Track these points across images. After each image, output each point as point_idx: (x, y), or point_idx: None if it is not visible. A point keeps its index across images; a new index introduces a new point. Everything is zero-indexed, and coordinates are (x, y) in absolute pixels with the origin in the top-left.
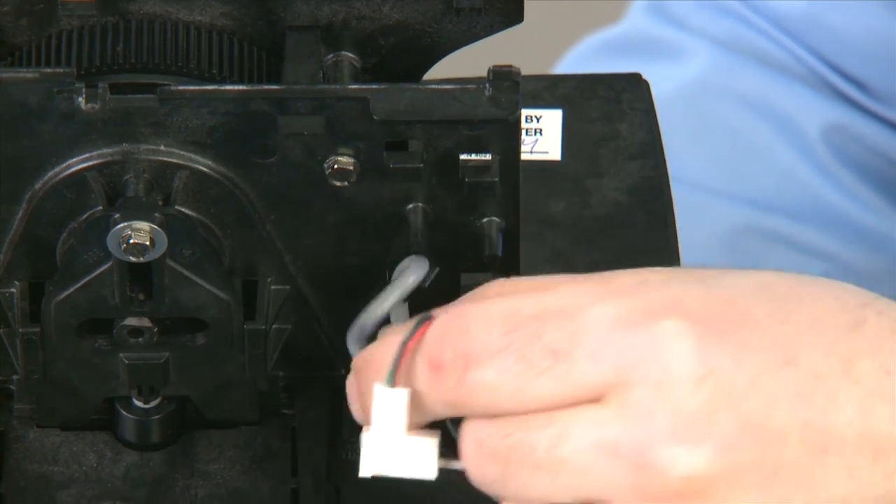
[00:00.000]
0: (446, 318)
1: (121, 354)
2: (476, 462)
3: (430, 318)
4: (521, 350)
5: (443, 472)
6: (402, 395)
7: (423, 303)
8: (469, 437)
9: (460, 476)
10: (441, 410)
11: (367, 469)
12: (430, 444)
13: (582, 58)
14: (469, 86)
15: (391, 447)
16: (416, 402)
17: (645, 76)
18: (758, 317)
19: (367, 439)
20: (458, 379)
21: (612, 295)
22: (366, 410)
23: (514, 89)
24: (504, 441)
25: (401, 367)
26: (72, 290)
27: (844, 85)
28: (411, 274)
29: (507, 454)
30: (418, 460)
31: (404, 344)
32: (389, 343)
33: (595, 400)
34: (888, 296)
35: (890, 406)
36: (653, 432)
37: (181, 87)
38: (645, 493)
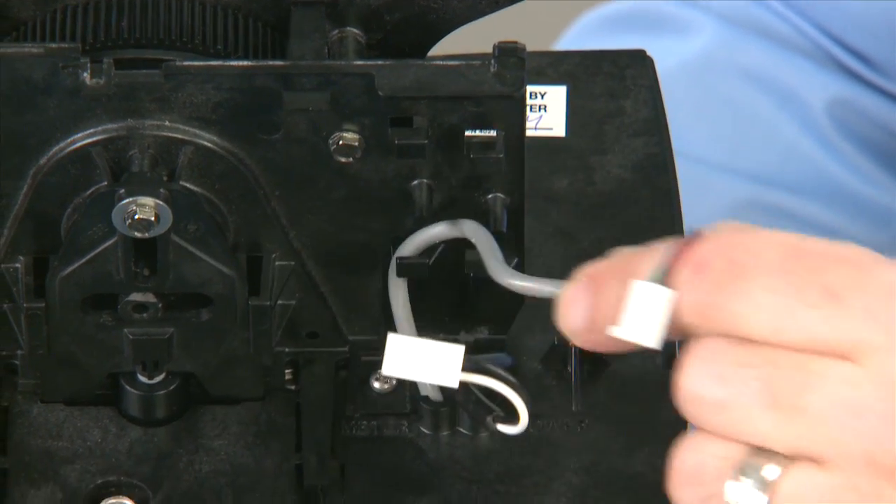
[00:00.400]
0: (725, 232)
1: (125, 330)
2: (697, 380)
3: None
4: (800, 278)
5: (448, 445)
6: (665, 294)
7: (429, 280)
8: (702, 352)
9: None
10: (688, 317)
11: (389, 368)
12: (456, 351)
13: (585, 32)
14: (474, 62)
15: (416, 349)
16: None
17: (648, 51)
18: None
19: (392, 340)
20: (721, 283)
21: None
22: (602, 309)
23: (519, 65)
24: (742, 369)
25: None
26: (76, 265)
27: (848, 59)
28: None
29: (741, 383)
30: (442, 367)
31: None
32: (655, 248)
33: (849, 357)
34: None
35: None
36: None
37: (186, 63)
38: (872, 464)
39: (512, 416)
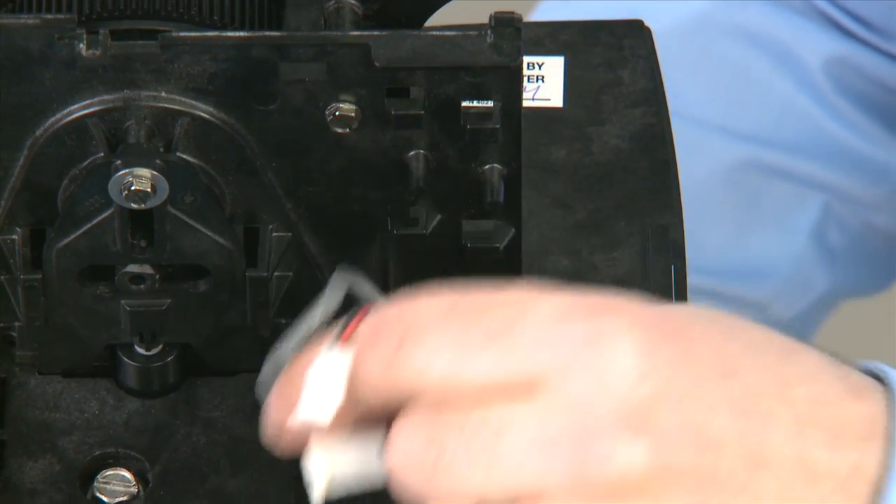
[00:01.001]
0: (391, 302)
1: (122, 301)
2: (405, 458)
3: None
4: (461, 330)
5: None
6: (344, 358)
7: (426, 252)
8: (403, 430)
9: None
10: (371, 394)
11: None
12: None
13: None
14: (471, 32)
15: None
16: (347, 391)
17: (644, 10)
18: (698, 330)
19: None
20: (395, 344)
21: (558, 293)
22: (289, 401)
23: (515, 36)
24: (439, 436)
25: (347, 331)
26: (73, 236)
27: (845, 19)
28: (318, 310)
29: (440, 448)
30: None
31: (343, 326)
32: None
33: (531, 391)
34: (888, 225)
35: (823, 432)
36: (593, 423)
37: (182, 34)
38: (582, 488)
39: None
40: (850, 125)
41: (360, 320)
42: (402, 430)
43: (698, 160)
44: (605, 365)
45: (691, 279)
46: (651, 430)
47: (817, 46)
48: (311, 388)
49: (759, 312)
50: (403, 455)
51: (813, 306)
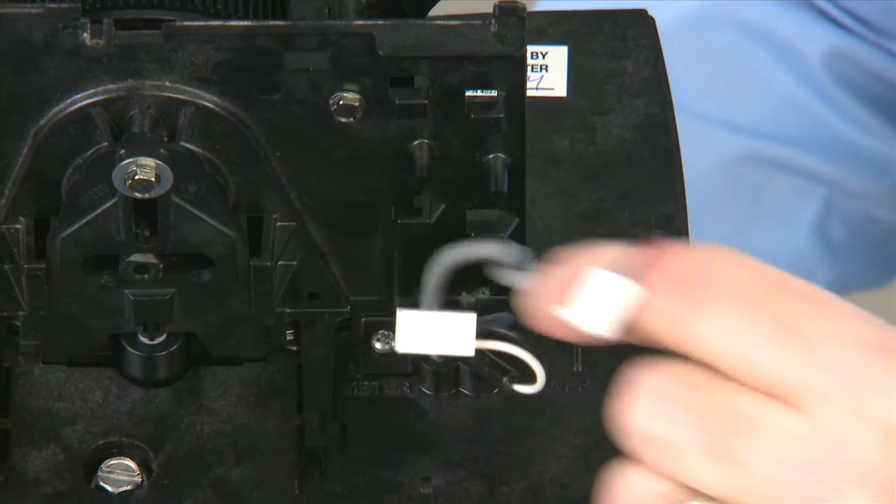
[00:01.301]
0: (695, 251)
1: (126, 291)
2: (641, 416)
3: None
4: (768, 313)
5: (450, 406)
6: (630, 289)
7: (429, 241)
8: (650, 386)
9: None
10: (653, 323)
11: (402, 345)
12: (468, 321)
13: None
14: (475, 21)
15: (427, 323)
16: (625, 324)
17: (645, 5)
18: None
19: (402, 316)
20: (696, 300)
21: (870, 318)
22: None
23: (519, 25)
24: (686, 412)
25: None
26: (77, 226)
27: (843, 16)
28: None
29: (684, 426)
30: (455, 337)
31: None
32: (627, 248)
33: (796, 404)
34: (889, 219)
35: None
36: (845, 470)
37: (186, 23)
38: None
39: (527, 376)
40: (851, 119)
41: (657, 259)
42: (648, 390)
43: (699, 153)
44: (883, 417)
45: None
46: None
47: (817, 40)
48: (587, 298)
49: None
50: (639, 416)
51: None
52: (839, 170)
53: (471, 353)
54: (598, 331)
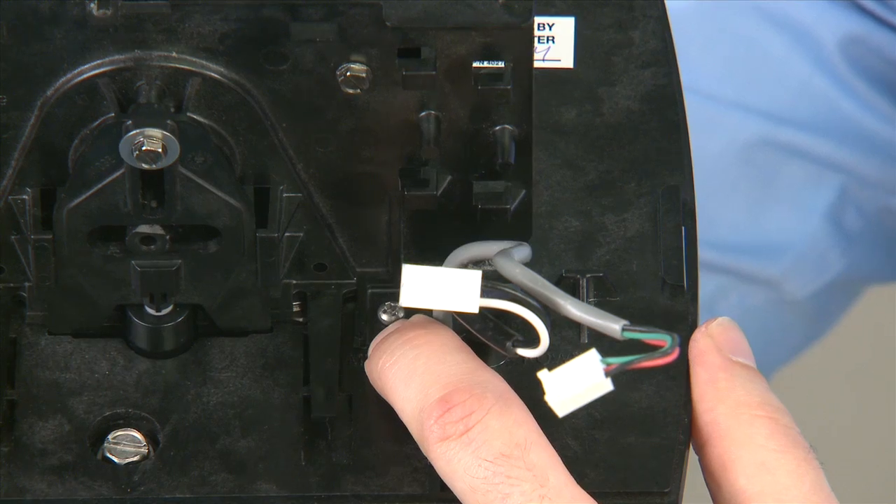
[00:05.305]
0: None
1: (133, 262)
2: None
3: None
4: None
5: None
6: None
7: (436, 212)
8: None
9: None
10: None
11: (406, 299)
12: (473, 277)
13: None
14: None
15: (432, 278)
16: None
17: None
18: None
19: (407, 270)
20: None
21: None
22: None
23: None
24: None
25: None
26: (84, 196)
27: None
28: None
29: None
30: (460, 294)
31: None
32: None
33: None
34: None
35: None
36: None
37: None
38: None
39: (531, 340)
40: (867, 106)
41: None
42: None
43: (713, 136)
44: None
45: (704, 255)
46: None
47: (834, 25)
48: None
49: (772, 290)
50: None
51: (829, 288)
52: (854, 157)
53: (475, 309)
54: None
